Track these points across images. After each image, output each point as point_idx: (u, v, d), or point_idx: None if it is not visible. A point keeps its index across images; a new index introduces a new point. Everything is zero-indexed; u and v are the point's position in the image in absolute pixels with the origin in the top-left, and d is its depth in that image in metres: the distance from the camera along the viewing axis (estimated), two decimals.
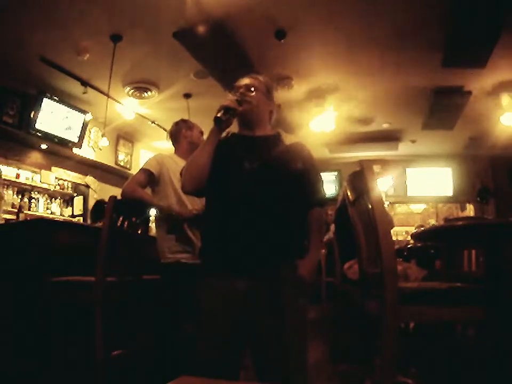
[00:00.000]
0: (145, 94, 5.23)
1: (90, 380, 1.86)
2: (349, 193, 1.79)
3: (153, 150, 7.62)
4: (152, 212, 2.44)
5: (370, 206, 1.50)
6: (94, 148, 6.20)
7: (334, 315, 3.73)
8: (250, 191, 1.44)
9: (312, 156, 1.61)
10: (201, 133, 2.61)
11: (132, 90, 5.16)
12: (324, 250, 3.98)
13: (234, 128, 1.65)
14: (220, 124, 1.48)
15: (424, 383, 2.30)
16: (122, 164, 6.83)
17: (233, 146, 1.57)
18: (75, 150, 5.79)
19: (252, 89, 1.58)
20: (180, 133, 2.59)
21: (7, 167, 5.22)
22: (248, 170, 1.47)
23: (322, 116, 5.51)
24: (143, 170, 2.38)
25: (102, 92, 5.00)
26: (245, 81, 1.62)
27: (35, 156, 5.60)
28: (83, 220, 6.02)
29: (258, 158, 1.50)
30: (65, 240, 2.24)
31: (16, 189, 5.35)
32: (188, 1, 3.45)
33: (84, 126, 5.65)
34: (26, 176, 5.45)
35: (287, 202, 1.48)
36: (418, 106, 5.64)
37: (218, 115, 1.46)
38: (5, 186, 5.20)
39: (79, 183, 6.30)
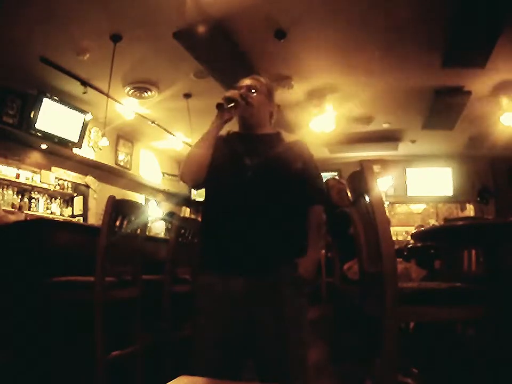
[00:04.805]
0: (145, 94, 5.23)
1: (90, 380, 1.86)
2: (348, 193, 1.79)
3: (153, 150, 7.64)
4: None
5: (370, 206, 1.50)
6: (94, 148, 6.20)
7: (334, 315, 3.72)
8: (250, 187, 1.43)
9: (311, 154, 1.61)
10: None
11: (132, 90, 5.16)
12: (323, 251, 3.98)
13: (235, 129, 1.65)
14: (221, 110, 1.48)
15: (424, 383, 2.30)
16: (122, 163, 6.83)
17: (233, 143, 1.56)
18: (75, 150, 5.78)
19: (253, 90, 1.58)
20: None
21: (7, 167, 5.21)
22: (248, 166, 1.46)
23: (322, 116, 5.51)
24: None
25: (102, 92, 4.99)
26: (246, 82, 1.61)
27: (35, 156, 5.60)
28: (83, 220, 6.02)
29: (259, 155, 1.49)
30: (65, 240, 2.24)
31: (16, 189, 5.35)
32: (188, 1, 3.45)
33: (84, 126, 5.65)
34: (26, 176, 5.44)
35: (288, 200, 1.47)
36: (418, 106, 5.64)
37: (221, 102, 1.47)
38: (5, 186, 5.20)
39: (79, 183, 6.30)
